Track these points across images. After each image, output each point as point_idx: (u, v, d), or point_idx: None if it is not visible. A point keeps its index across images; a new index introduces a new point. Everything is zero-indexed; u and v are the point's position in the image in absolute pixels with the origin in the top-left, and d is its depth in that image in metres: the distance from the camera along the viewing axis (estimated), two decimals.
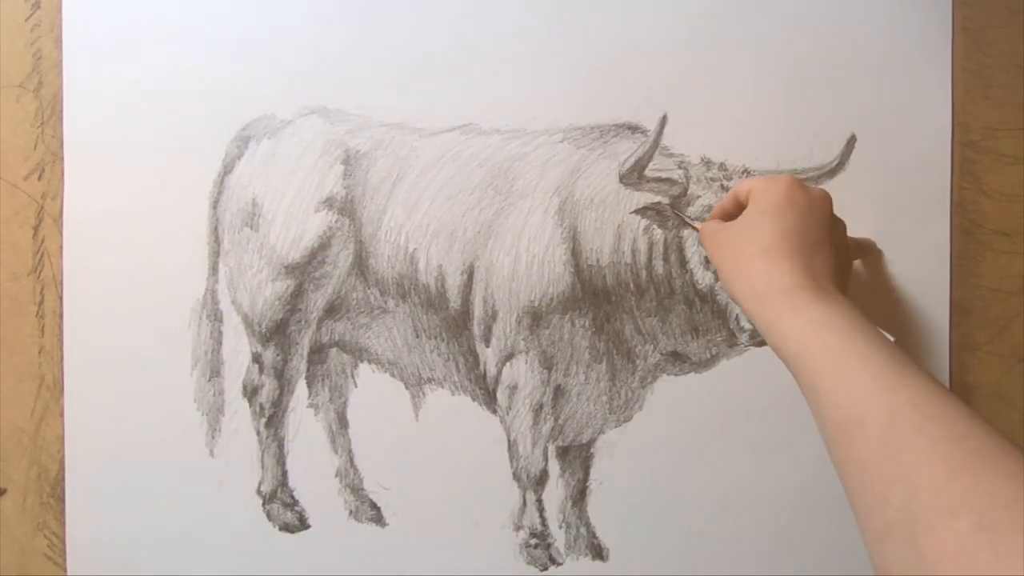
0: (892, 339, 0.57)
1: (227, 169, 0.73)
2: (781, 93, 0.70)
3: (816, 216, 0.57)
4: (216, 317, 0.73)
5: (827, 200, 0.59)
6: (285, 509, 0.74)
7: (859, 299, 0.56)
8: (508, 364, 0.71)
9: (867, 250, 0.69)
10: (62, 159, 0.73)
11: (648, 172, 0.69)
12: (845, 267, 0.60)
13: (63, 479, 0.74)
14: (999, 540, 0.35)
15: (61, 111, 0.72)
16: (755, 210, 0.58)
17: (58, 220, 0.73)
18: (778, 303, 0.52)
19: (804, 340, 0.49)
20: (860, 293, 0.69)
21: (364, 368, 0.74)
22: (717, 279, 0.69)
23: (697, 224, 0.66)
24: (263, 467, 0.73)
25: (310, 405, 0.74)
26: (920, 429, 0.41)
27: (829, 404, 0.46)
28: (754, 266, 0.55)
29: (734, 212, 0.62)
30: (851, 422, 0.44)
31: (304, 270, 0.72)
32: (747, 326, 0.69)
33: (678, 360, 0.71)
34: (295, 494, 0.74)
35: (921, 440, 0.40)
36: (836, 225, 0.61)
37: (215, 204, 0.73)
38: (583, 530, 0.73)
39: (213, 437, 0.73)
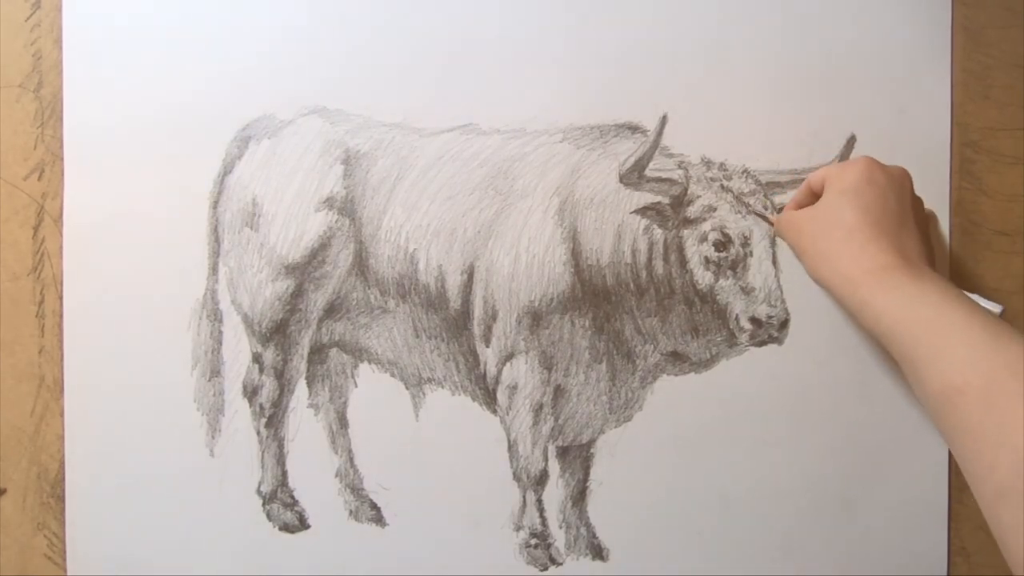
0: (999, 308, 0.57)
1: (227, 169, 0.73)
2: (781, 93, 0.70)
3: (897, 194, 0.57)
4: (216, 317, 0.73)
5: (907, 177, 0.59)
6: (285, 509, 0.74)
7: None
8: (508, 364, 0.71)
9: (931, 222, 0.69)
10: (62, 159, 0.73)
11: (648, 172, 0.69)
12: (929, 243, 0.60)
13: (63, 479, 0.74)
14: None
15: (61, 111, 0.72)
16: (834, 193, 0.57)
17: (58, 220, 0.73)
18: (870, 284, 0.52)
19: (900, 317, 0.49)
20: None
21: (364, 368, 0.74)
22: (716, 279, 0.69)
23: (772, 216, 0.66)
24: (263, 467, 0.73)
25: (310, 405, 0.74)
26: (1019, 393, 0.41)
27: (928, 376, 0.46)
28: (841, 249, 0.55)
29: (808, 203, 0.62)
30: (951, 391, 0.44)
31: (304, 270, 0.72)
32: (747, 326, 0.69)
33: (678, 360, 0.71)
34: (295, 494, 0.74)
35: (1022, 404, 0.41)
36: (916, 203, 0.60)
37: (215, 204, 0.73)
38: (583, 530, 0.73)
39: (213, 437, 0.73)
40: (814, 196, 0.61)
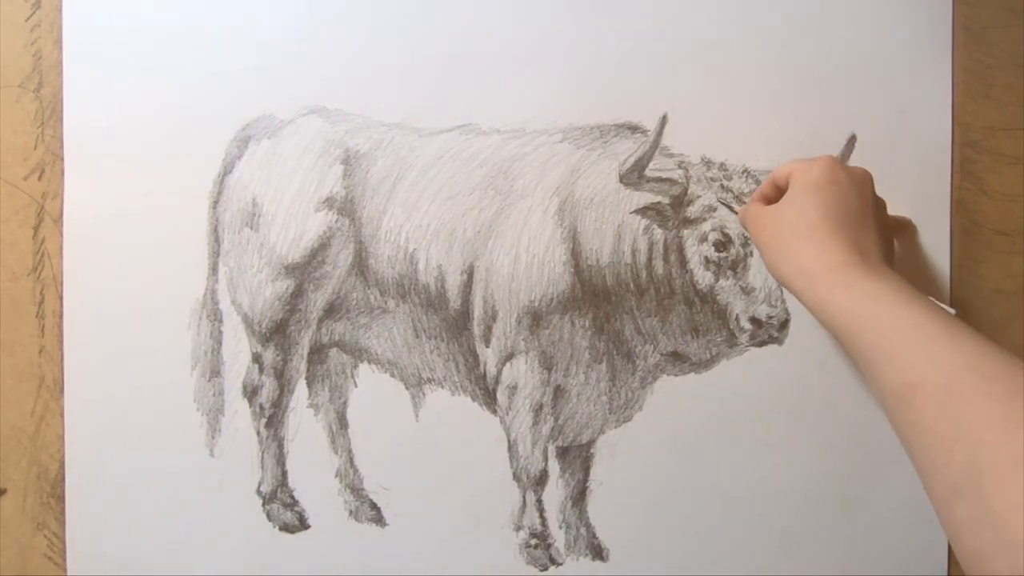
0: (953, 311, 0.57)
1: (227, 169, 0.73)
2: (781, 93, 0.70)
3: (858, 193, 0.57)
4: (216, 317, 0.73)
5: (868, 178, 0.60)
6: (285, 509, 0.74)
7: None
8: (508, 364, 0.71)
9: (904, 228, 0.69)
10: (62, 159, 0.73)
11: (648, 172, 0.69)
12: (889, 244, 0.61)
13: (63, 479, 0.74)
14: None
15: (61, 111, 0.72)
16: (797, 190, 0.58)
17: (58, 220, 0.73)
18: (828, 280, 0.52)
19: (857, 314, 0.49)
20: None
21: (364, 368, 0.74)
22: (716, 279, 0.69)
23: (736, 207, 0.66)
24: (263, 467, 0.73)
25: (310, 405, 0.74)
26: (977, 389, 0.41)
27: (885, 373, 0.46)
28: (801, 245, 0.55)
29: (773, 196, 0.62)
30: (908, 388, 0.44)
31: (304, 270, 0.72)
32: (747, 326, 0.69)
33: (678, 360, 0.71)
34: (295, 494, 0.74)
35: (979, 400, 0.41)
36: (878, 203, 0.61)
37: (215, 204, 0.73)
38: (583, 530, 0.73)
39: (213, 437, 0.73)
40: (778, 191, 0.61)
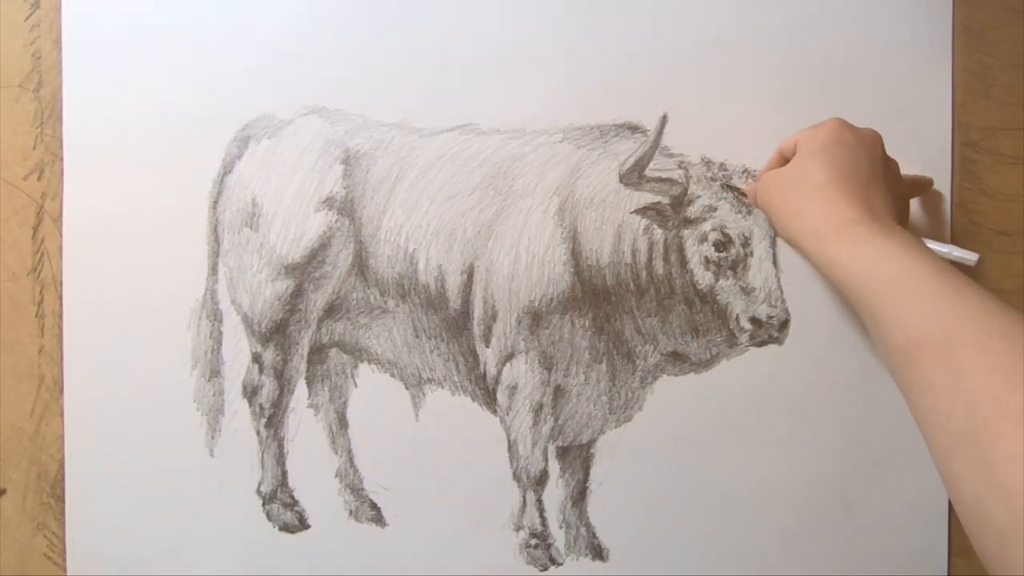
0: (975, 256, 0.57)
1: (227, 169, 0.72)
2: (781, 93, 0.70)
3: (867, 153, 0.58)
4: (216, 317, 0.73)
5: (877, 138, 0.60)
6: (285, 509, 0.74)
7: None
8: (508, 364, 0.71)
9: (924, 187, 0.69)
10: (62, 159, 0.73)
11: (648, 172, 0.69)
12: (902, 204, 0.60)
13: (63, 479, 0.74)
14: None
15: (61, 111, 0.72)
16: (804, 153, 0.58)
17: (58, 220, 0.73)
18: (837, 238, 0.52)
19: (864, 271, 0.49)
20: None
21: (364, 368, 0.74)
22: (716, 279, 0.69)
23: (745, 188, 0.67)
24: (263, 467, 0.73)
25: (310, 405, 0.74)
26: (979, 344, 0.42)
27: (890, 330, 0.47)
28: (809, 205, 0.55)
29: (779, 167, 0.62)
30: (912, 344, 0.45)
31: (304, 270, 0.72)
32: (747, 326, 0.69)
33: (678, 360, 0.71)
34: (295, 494, 0.74)
35: (980, 355, 0.41)
36: (888, 164, 0.61)
37: (215, 204, 0.73)
38: (583, 530, 0.73)
39: (213, 437, 0.73)
40: (785, 162, 0.62)
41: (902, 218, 0.58)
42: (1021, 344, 0.41)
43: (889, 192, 0.57)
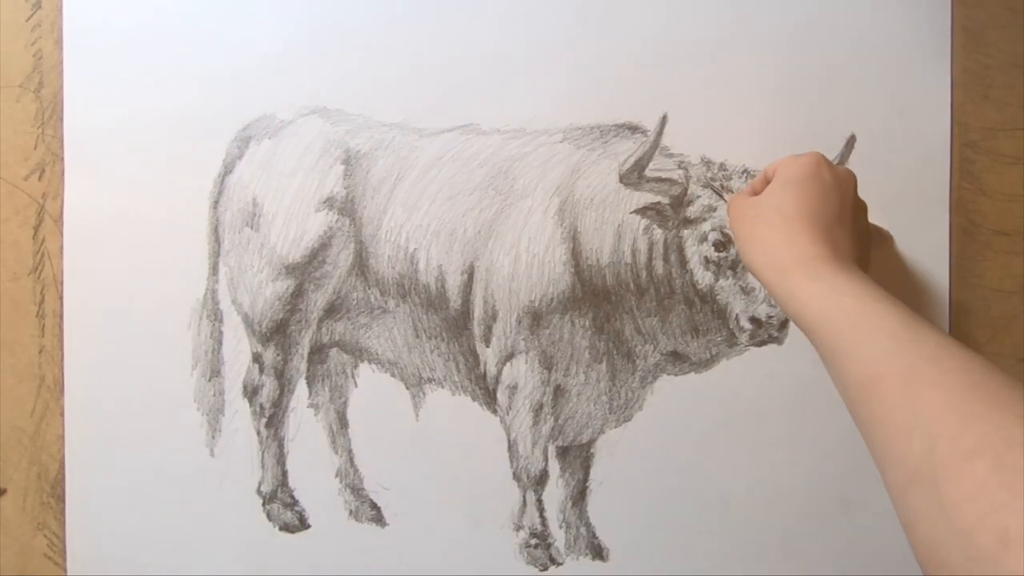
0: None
1: (227, 169, 0.73)
2: (781, 93, 0.70)
3: (840, 192, 0.58)
4: (216, 317, 0.73)
5: (852, 179, 0.60)
6: (285, 509, 0.74)
7: None
8: (508, 364, 0.71)
9: (882, 240, 0.69)
10: (62, 159, 0.73)
11: (648, 172, 0.69)
12: (865, 248, 0.61)
13: (63, 479, 0.74)
14: (1016, 480, 0.36)
15: (61, 111, 0.72)
16: (779, 182, 0.58)
17: (58, 220, 0.73)
18: (798, 272, 0.52)
19: (823, 306, 0.50)
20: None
21: (364, 368, 0.74)
22: (716, 279, 0.69)
23: (726, 196, 0.67)
24: (263, 467, 0.73)
25: (310, 405, 0.74)
26: (937, 382, 0.42)
27: (848, 365, 0.47)
28: (775, 236, 0.55)
29: (761, 190, 0.62)
30: (870, 380, 0.45)
31: (304, 270, 0.72)
32: (747, 326, 0.69)
33: (678, 360, 0.71)
34: (295, 494, 0.74)
35: (938, 392, 0.41)
36: (858, 206, 0.61)
37: (215, 204, 0.73)
38: (583, 530, 0.73)
39: (213, 437, 0.73)
40: (767, 185, 0.62)
41: (863, 262, 0.58)
42: (979, 383, 0.41)
43: (854, 235, 0.58)
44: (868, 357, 0.46)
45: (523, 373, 0.71)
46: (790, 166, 0.59)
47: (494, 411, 0.72)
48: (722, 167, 0.70)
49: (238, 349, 0.73)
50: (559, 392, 0.72)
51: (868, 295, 0.49)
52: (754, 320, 0.68)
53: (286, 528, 0.74)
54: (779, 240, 0.55)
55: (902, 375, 0.43)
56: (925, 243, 0.70)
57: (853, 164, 0.70)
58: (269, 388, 0.73)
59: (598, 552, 0.73)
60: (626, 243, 0.70)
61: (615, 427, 0.72)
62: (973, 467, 0.37)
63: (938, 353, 0.43)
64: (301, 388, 0.74)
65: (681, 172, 0.70)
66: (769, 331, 0.69)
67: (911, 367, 0.43)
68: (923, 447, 0.40)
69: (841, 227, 0.56)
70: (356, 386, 0.74)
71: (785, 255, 0.54)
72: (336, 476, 0.74)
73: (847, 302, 0.49)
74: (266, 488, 0.74)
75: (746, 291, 0.68)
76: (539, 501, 0.73)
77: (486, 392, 0.72)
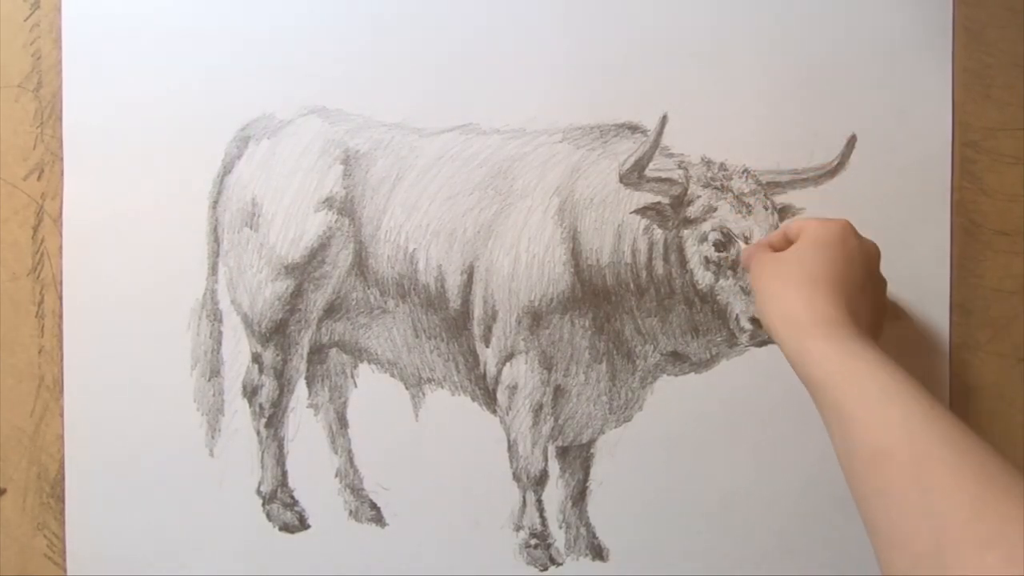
0: None
1: (227, 169, 0.72)
2: (781, 93, 0.70)
3: (864, 263, 0.58)
4: (216, 317, 0.73)
5: (876, 252, 0.61)
6: (285, 509, 0.74)
7: None
8: (508, 364, 0.71)
9: (896, 316, 0.70)
10: (61, 159, 0.73)
11: (648, 172, 0.69)
12: (880, 322, 0.61)
13: (63, 479, 0.74)
14: None
15: (60, 111, 0.72)
16: (807, 243, 0.58)
17: (58, 220, 0.73)
18: (814, 332, 0.52)
19: (836, 369, 0.49)
20: None
21: (364, 368, 0.74)
22: (716, 279, 0.69)
23: (743, 245, 0.67)
24: (263, 467, 0.73)
25: (310, 405, 0.74)
26: (950, 464, 0.41)
27: (856, 434, 0.46)
28: (795, 294, 0.55)
29: (780, 247, 0.62)
30: (878, 453, 0.44)
31: (304, 270, 0.72)
32: (747, 326, 0.68)
33: (678, 360, 0.71)
34: (295, 494, 0.74)
35: (950, 475, 0.41)
36: (880, 280, 0.62)
37: (215, 204, 0.73)
38: (583, 530, 0.73)
39: (213, 437, 0.73)
40: (787, 242, 0.62)
41: (876, 333, 0.59)
42: (991, 473, 0.40)
43: (873, 306, 0.58)
44: (879, 429, 0.45)
45: (523, 373, 0.71)
46: (818, 229, 0.59)
47: (494, 411, 0.72)
48: (722, 167, 0.70)
49: (237, 349, 0.73)
50: (559, 392, 0.72)
51: (882, 367, 0.48)
52: (755, 320, 0.68)
53: (286, 528, 0.74)
54: (799, 298, 0.55)
55: (914, 454, 0.43)
56: (925, 243, 0.70)
57: (853, 164, 0.70)
58: (269, 388, 0.73)
59: (598, 552, 0.73)
60: (626, 243, 0.70)
61: (615, 427, 0.72)
62: (984, 558, 0.37)
63: (951, 434, 0.43)
64: (301, 388, 0.74)
65: (681, 172, 0.70)
66: None
67: (923, 446, 0.43)
68: (932, 531, 0.39)
69: (862, 296, 0.56)
70: (356, 386, 0.74)
71: (803, 314, 0.54)
72: (336, 476, 0.74)
73: (860, 368, 0.49)
74: (266, 488, 0.74)
75: (746, 291, 0.68)
76: (539, 501, 0.73)
77: (486, 392, 0.72)
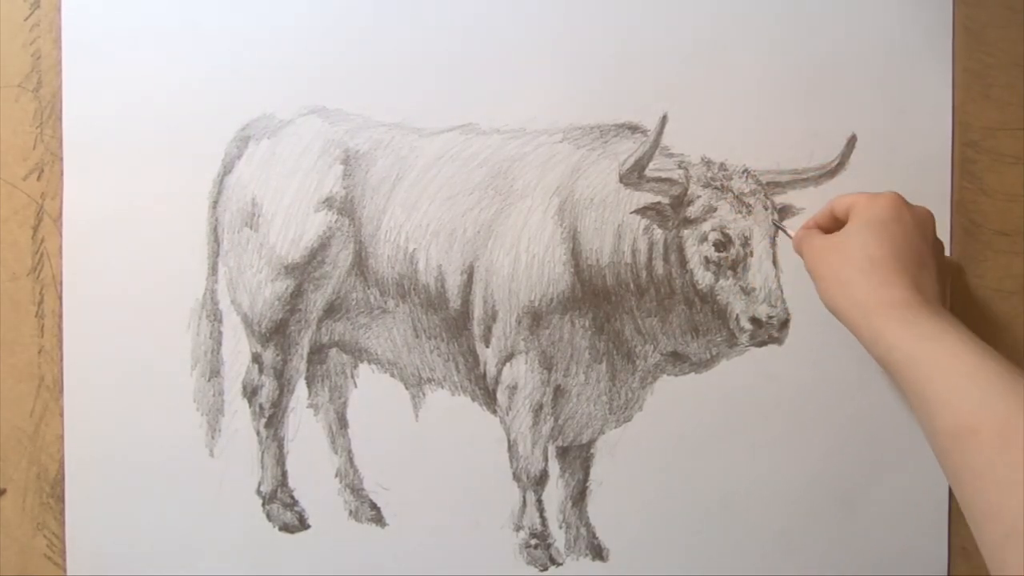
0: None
1: (227, 169, 0.72)
2: (781, 93, 0.70)
3: (922, 233, 0.58)
4: (216, 317, 0.73)
5: (931, 218, 0.60)
6: (285, 509, 0.74)
7: None
8: (508, 364, 0.71)
9: (958, 271, 0.70)
10: (61, 159, 0.73)
11: (648, 172, 0.69)
12: (945, 286, 0.61)
13: (63, 479, 0.74)
14: None
15: (60, 111, 0.72)
16: (860, 223, 0.58)
17: (58, 220, 0.73)
18: (885, 315, 0.52)
19: (913, 351, 0.50)
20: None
21: (364, 368, 0.74)
22: (716, 279, 0.69)
23: (791, 231, 0.66)
24: (263, 467, 0.73)
25: (310, 405, 0.74)
26: None
27: (940, 413, 0.46)
28: (860, 279, 0.55)
29: (828, 226, 0.62)
30: (965, 431, 0.44)
31: (304, 270, 0.72)
32: (747, 326, 0.69)
33: (678, 360, 0.71)
34: (295, 494, 0.74)
35: None
36: (937, 246, 0.61)
37: (215, 204, 0.73)
38: (583, 530, 0.73)
39: (213, 437, 0.73)
40: (835, 221, 0.61)
41: (944, 299, 0.58)
42: None
43: (937, 274, 0.57)
44: (961, 407, 0.45)
45: (523, 373, 0.71)
46: (870, 206, 0.58)
47: (494, 411, 0.72)
48: (722, 167, 0.70)
49: (237, 349, 0.73)
50: (559, 392, 0.72)
51: (959, 342, 0.49)
52: (754, 320, 0.68)
53: (286, 528, 0.74)
54: (865, 283, 0.55)
55: (998, 428, 0.43)
56: None
57: (853, 164, 0.70)
58: (269, 388, 0.73)
59: (598, 552, 0.73)
60: (626, 243, 0.70)
61: (615, 427, 0.72)
62: None
63: None
64: (301, 388, 0.74)
65: (681, 172, 0.70)
66: (769, 331, 0.69)
67: (1009, 420, 0.43)
68: (1021, 503, 0.40)
69: (926, 269, 0.56)
70: (356, 386, 0.74)
71: (871, 297, 0.54)
72: (336, 476, 0.74)
73: (939, 348, 0.49)
74: (266, 488, 0.74)
75: (746, 291, 0.68)
76: (539, 501, 0.73)
77: (486, 392, 0.72)
